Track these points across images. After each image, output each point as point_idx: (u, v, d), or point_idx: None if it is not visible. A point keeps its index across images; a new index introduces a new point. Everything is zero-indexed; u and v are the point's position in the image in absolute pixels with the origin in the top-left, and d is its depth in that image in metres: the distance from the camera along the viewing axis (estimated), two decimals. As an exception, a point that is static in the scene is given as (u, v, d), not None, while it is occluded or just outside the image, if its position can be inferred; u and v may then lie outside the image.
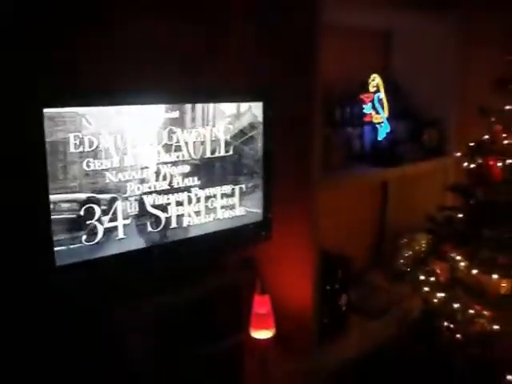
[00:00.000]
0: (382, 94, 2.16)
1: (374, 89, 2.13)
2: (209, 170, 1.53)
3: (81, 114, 1.25)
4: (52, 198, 1.21)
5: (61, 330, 1.40)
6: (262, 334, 1.76)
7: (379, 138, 2.17)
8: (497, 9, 2.32)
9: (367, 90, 2.13)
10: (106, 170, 1.31)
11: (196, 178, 1.50)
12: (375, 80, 2.13)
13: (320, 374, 1.86)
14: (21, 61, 1.34)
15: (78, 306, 1.35)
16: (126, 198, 1.36)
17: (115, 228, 1.35)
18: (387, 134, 2.20)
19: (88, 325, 1.36)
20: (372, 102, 2.13)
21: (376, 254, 2.75)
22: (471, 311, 1.84)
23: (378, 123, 2.17)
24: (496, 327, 1.78)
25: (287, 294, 1.87)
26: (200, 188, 1.51)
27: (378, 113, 2.15)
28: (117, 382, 1.35)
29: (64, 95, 1.24)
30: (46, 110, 1.18)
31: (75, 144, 1.24)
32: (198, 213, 1.52)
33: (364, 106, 2.12)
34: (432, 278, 1.98)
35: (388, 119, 2.22)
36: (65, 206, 1.24)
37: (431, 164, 2.37)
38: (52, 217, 1.22)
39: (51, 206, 1.21)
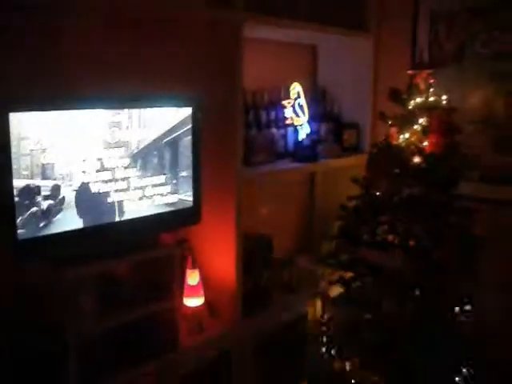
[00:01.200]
0: (302, 100, 2.52)
1: (295, 95, 2.49)
2: (145, 164, 1.85)
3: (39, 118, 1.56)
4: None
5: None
6: (194, 301, 2.10)
7: (299, 139, 2.53)
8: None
9: (289, 97, 2.49)
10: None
11: (135, 170, 1.82)
12: (296, 88, 2.49)
13: (243, 340, 2.22)
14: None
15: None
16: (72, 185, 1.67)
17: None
18: (307, 134, 2.56)
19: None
20: (293, 106, 2.48)
21: (305, 240, 3.13)
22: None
23: (299, 125, 2.53)
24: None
25: (215, 269, 2.21)
26: (138, 178, 1.84)
27: (298, 116, 2.51)
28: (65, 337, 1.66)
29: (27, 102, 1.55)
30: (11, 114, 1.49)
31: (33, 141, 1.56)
32: (136, 199, 1.85)
33: (285, 110, 2.47)
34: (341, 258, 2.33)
35: (309, 121, 2.59)
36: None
37: (349, 160, 2.74)
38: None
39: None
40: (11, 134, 1.50)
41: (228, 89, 2.03)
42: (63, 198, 1.65)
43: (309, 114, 2.58)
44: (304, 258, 2.95)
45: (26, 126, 1.54)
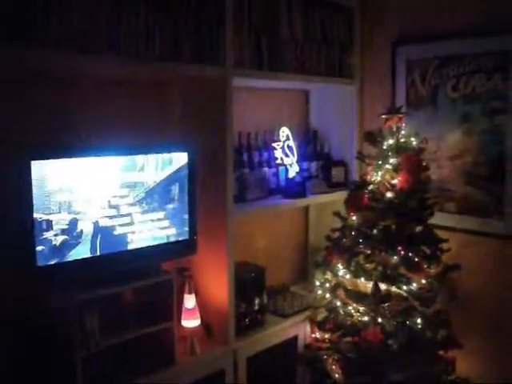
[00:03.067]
0: (291, 142, 2.80)
1: (284, 138, 2.78)
2: (147, 201, 2.14)
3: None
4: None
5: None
6: (190, 323, 2.36)
7: (289, 176, 2.81)
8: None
9: (278, 139, 2.78)
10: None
11: (138, 207, 2.11)
12: (284, 131, 2.78)
13: (236, 359, 2.45)
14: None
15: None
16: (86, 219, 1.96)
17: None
18: (297, 172, 2.84)
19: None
20: (282, 148, 2.77)
21: (300, 269, 3.38)
22: (349, 307, 2.46)
23: (289, 164, 2.81)
24: (365, 319, 2.40)
25: (211, 294, 2.47)
26: (140, 214, 2.12)
27: (287, 156, 2.79)
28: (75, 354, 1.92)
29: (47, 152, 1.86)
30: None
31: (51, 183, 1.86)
32: (138, 231, 2.13)
33: (275, 151, 2.76)
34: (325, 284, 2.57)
35: (300, 160, 2.87)
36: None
37: (335, 196, 3.00)
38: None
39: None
40: (33, 179, 1.80)
41: (219, 135, 2.33)
42: (79, 231, 1.94)
43: (299, 153, 2.86)
44: (298, 286, 3.19)
45: (45, 170, 1.84)
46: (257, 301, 2.60)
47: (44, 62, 1.81)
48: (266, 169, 2.78)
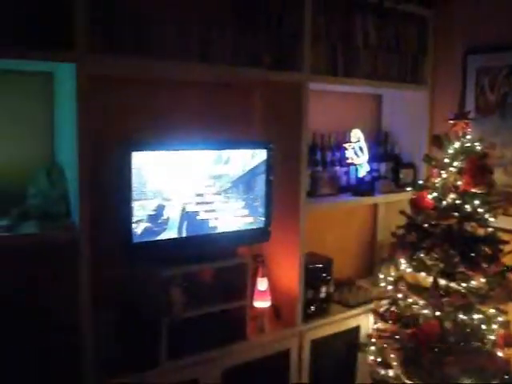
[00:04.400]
0: (362, 143, 2.99)
1: (355, 139, 2.96)
2: (229, 191, 2.40)
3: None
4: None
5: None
6: (261, 304, 2.61)
7: (359, 176, 3.00)
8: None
9: (350, 141, 2.97)
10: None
11: (221, 196, 2.38)
12: (356, 133, 2.97)
13: (301, 342, 2.68)
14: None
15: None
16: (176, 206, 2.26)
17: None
18: (368, 172, 3.02)
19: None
20: (353, 149, 2.96)
21: (366, 264, 3.55)
22: (410, 300, 2.62)
23: (359, 164, 2.99)
24: (425, 312, 2.55)
25: (282, 279, 2.71)
26: (223, 202, 2.40)
27: (358, 157, 2.97)
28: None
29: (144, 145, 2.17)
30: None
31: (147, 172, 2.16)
32: (220, 218, 2.40)
33: (346, 151, 2.95)
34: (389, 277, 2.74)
35: (370, 161, 3.05)
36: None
37: (404, 195, 3.14)
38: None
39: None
40: (132, 168, 2.11)
41: (295, 134, 2.56)
42: (168, 215, 2.24)
43: (370, 154, 3.03)
44: (363, 280, 3.37)
45: (143, 161, 2.14)
46: (323, 289, 2.80)
47: (161, 71, 2.22)
48: (337, 167, 2.98)
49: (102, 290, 2.10)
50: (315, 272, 2.78)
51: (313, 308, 2.77)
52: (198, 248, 2.36)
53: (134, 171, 2.13)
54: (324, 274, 2.83)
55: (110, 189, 2.19)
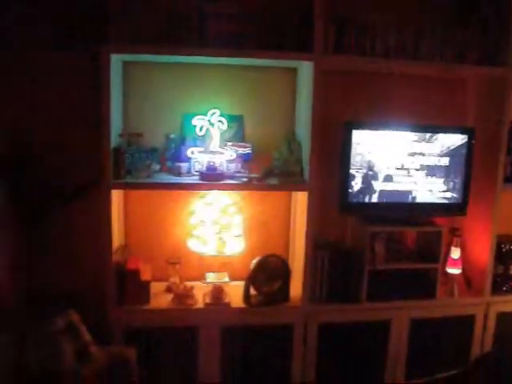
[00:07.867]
0: None
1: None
2: (430, 168, 2.84)
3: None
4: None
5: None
6: (453, 270, 2.98)
7: None
8: None
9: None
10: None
11: (423, 172, 2.84)
12: None
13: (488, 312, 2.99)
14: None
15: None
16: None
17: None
18: None
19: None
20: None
21: None
22: None
23: None
24: None
25: (473, 253, 3.04)
26: (424, 177, 2.84)
27: None
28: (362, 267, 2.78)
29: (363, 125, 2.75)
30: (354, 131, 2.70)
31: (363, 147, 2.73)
32: (421, 190, 2.86)
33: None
34: None
35: None
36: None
37: None
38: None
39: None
40: (352, 143, 2.70)
41: (495, 122, 2.86)
42: (375, 183, 2.78)
43: None
44: None
45: (360, 137, 2.72)
46: (515, 267, 3.06)
47: (380, 67, 2.86)
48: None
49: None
50: (506, 252, 3.04)
51: (503, 284, 3.03)
52: (400, 213, 2.86)
53: (353, 145, 2.71)
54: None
55: (332, 158, 2.82)
